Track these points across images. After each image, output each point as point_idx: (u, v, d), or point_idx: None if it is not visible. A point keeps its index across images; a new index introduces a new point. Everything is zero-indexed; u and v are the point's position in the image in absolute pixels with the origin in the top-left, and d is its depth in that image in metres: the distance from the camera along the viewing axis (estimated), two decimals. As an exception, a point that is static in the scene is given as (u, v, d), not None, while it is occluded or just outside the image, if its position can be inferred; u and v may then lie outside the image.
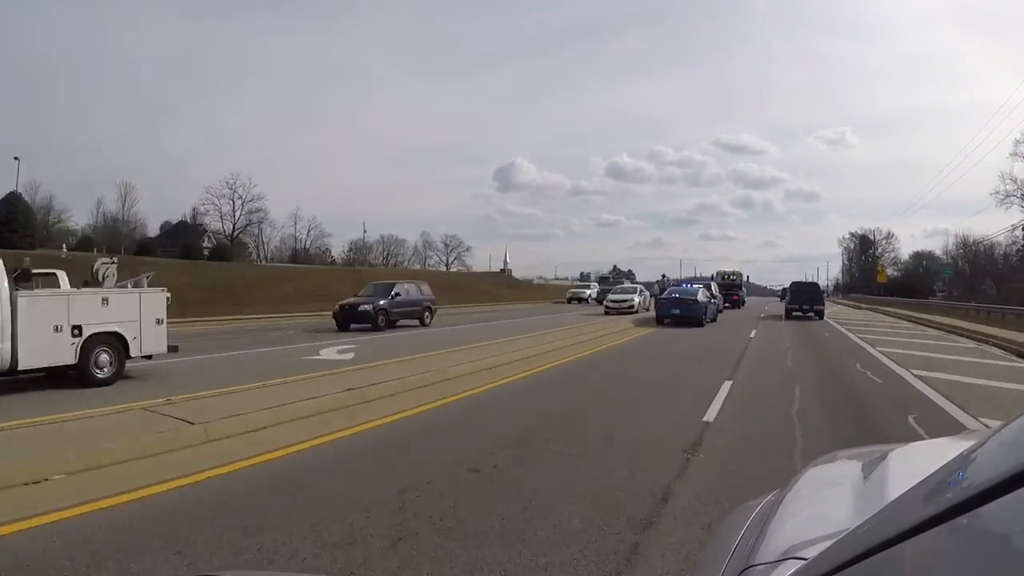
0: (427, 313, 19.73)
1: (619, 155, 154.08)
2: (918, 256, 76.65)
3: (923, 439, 4.26)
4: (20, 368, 6.91)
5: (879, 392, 8.22)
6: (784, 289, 35.15)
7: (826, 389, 8.49)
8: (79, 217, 59.94)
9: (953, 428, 6.04)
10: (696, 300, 21.07)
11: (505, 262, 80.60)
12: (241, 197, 60.38)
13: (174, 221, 65.77)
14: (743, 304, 38.68)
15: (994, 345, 15.25)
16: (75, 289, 8.11)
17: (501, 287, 52.69)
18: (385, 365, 9.12)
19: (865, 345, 14.69)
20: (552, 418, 6.52)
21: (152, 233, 62.32)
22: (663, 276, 52.71)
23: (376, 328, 17.00)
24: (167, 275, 28.69)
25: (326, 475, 4.41)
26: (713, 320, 22.83)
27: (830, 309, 35.05)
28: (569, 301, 41.81)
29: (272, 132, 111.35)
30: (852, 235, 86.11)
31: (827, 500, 1.10)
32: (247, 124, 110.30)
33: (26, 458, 4.28)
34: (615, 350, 13.51)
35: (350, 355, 10.57)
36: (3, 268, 6.86)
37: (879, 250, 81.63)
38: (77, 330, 7.39)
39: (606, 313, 25.64)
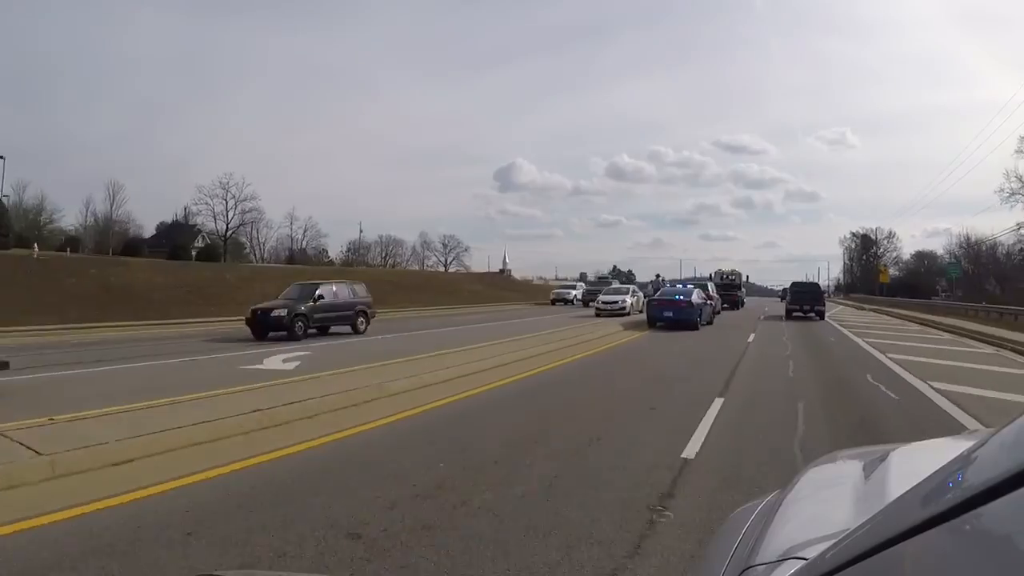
0: (361, 318, 17.05)
1: (619, 155, 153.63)
2: (920, 256, 75.67)
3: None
4: None
5: (897, 413, 6.93)
6: (784, 290, 34.58)
7: (834, 409, 7.18)
8: (71, 217, 59.23)
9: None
10: (690, 302, 19.64)
11: (505, 262, 79.39)
12: (234, 197, 59.49)
13: (170, 221, 64.97)
14: (742, 305, 37.15)
15: (1011, 350, 14.28)
16: None
17: (493, 288, 51.00)
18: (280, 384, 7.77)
19: (873, 351, 13.43)
20: (479, 456, 4.98)
21: (148, 233, 61.65)
22: (657, 276, 51.05)
23: (293, 337, 14.44)
24: (138, 275, 27.87)
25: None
26: (709, 323, 21.43)
27: (832, 310, 34.04)
28: (553, 303, 39.36)
29: (271, 132, 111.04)
30: (853, 235, 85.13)
31: (827, 500, 1.09)
32: (246, 124, 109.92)
33: None
34: (592, 360, 11.84)
35: (288, 367, 9.27)
36: None
37: (881, 250, 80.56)
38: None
39: (597, 315, 24.54)
